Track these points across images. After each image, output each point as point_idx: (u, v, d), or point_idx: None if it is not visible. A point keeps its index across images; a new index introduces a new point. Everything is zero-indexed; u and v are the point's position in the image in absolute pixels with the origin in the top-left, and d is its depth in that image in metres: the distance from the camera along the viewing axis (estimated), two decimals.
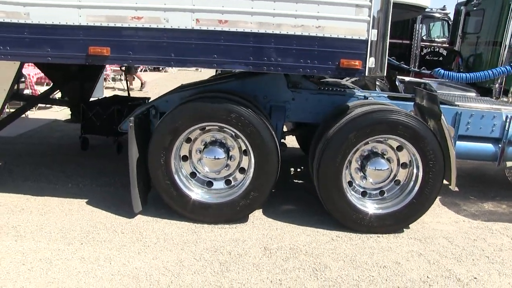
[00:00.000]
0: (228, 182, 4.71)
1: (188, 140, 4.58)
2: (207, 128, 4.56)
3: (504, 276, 3.89)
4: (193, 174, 4.69)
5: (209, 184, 4.70)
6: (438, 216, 5.03)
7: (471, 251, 4.31)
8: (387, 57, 4.29)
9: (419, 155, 4.40)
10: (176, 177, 4.49)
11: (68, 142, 7.30)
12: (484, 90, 7.12)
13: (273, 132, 4.45)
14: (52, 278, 3.51)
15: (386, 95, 5.59)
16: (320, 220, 4.73)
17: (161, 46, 4.09)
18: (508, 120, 5.16)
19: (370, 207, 4.55)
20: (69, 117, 7.11)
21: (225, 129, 4.53)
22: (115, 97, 7.11)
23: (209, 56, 4.12)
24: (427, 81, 7.06)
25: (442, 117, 4.50)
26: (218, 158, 4.55)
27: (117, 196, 5.16)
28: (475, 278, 3.83)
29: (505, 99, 6.48)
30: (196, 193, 4.58)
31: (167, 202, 4.56)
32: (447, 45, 9.10)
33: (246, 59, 4.14)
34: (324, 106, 5.06)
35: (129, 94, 7.20)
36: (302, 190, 5.71)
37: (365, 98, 5.15)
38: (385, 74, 4.44)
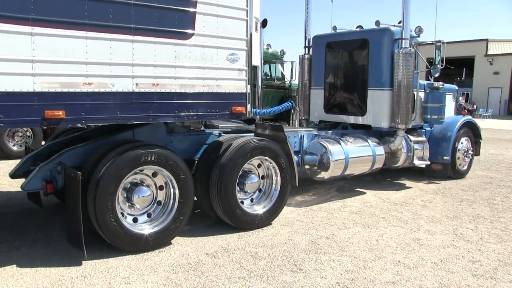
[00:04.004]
0: (149, 215, 5.62)
1: None
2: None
3: (346, 229, 6.36)
4: (121, 214, 5.39)
5: (135, 220, 5.50)
6: None
7: (316, 223, 6.66)
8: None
9: (278, 167, 6.48)
10: (121, 218, 5.17)
11: None
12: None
13: (187, 165, 5.70)
14: None
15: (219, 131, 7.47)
16: (215, 228, 6.20)
17: (109, 106, 4.85)
18: (302, 138, 7.88)
19: (259, 209, 6.34)
20: None
21: (144, 170, 5.48)
22: None
23: (147, 112, 5.13)
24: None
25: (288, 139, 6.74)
26: (146, 196, 5.45)
27: (42, 254, 5.25)
28: (333, 234, 6.15)
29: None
30: (139, 229, 5.34)
31: (112, 242, 5.14)
32: None
33: (173, 112, 5.34)
34: (194, 144, 6.56)
35: None
36: None
37: (220, 134, 6.91)
38: (252, 116, 6.35)
